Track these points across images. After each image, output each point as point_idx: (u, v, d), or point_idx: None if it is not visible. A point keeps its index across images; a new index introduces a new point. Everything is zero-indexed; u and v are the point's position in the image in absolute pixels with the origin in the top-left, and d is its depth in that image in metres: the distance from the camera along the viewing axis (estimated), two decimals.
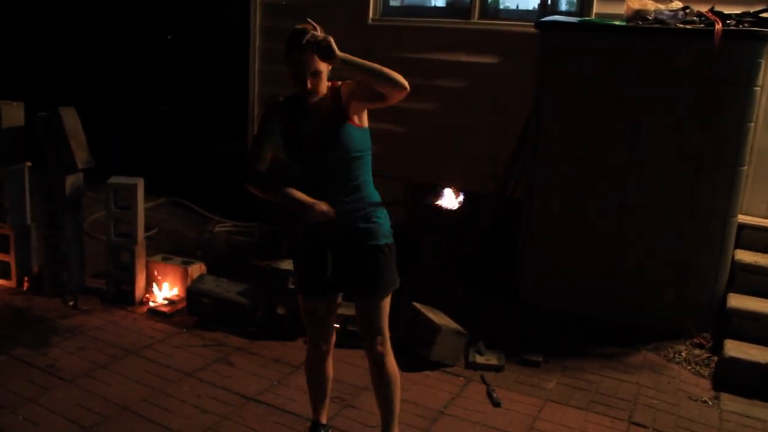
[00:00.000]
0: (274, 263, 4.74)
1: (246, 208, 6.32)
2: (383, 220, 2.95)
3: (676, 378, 4.14)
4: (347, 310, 4.23)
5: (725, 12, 4.41)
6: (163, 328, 4.51)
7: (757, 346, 4.19)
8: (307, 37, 2.62)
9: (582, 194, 4.72)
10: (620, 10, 4.70)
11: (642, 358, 4.38)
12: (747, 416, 3.76)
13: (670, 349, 4.44)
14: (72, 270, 4.91)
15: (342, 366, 3.98)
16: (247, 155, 2.92)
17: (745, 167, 4.46)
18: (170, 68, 7.57)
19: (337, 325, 4.18)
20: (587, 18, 5.14)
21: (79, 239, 4.99)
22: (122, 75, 7.84)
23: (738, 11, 4.43)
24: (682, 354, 4.39)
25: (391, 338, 3.01)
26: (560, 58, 4.67)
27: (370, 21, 5.93)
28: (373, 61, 2.66)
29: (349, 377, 3.94)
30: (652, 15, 4.46)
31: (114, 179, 4.83)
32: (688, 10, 4.45)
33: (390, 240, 2.96)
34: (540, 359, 4.24)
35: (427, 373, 4.06)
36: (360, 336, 3.04)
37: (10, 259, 4.96)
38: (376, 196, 2.96)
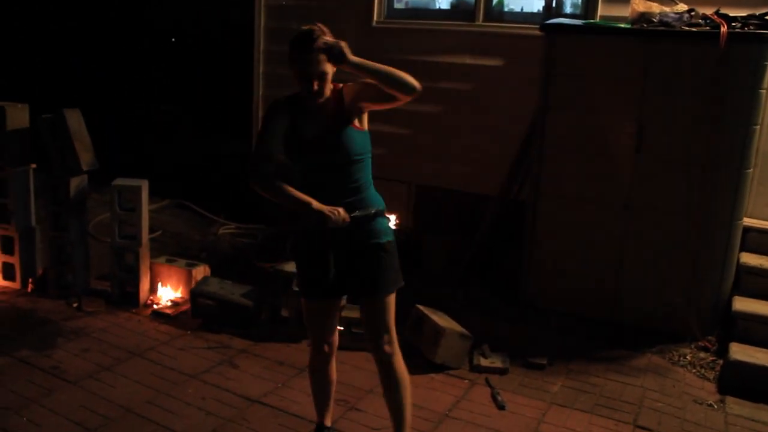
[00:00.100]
0: (278, 265, 4.75)
1: (248, 209, 6.33)
2: (383, 218, 2.93)
3: (681, 381, 4.13)
4: (352, 312, 4.24)
5: (730, 14, 4.40)
6: (168, 330, 4.51)
7: (763, 350, 4.17)
8: (320, 42, 2.61)
9: (587, 196, 4.72)
10: (625, 12, 4.70)
11: (647, 361, 4.36)
12: (753, 420, 3.75)
13: (675, 352, 4.43)
14: (77, 272, 4.92)
15: (347, 369, 3.98)
16: (253, 155, 2.88)
17: (751, 170, 4.45)
18: (170, 68, 7.58)
19: (341, 327, 4.19)
20: (592, 20, 5.13)
21: (84, 241, 5.00)
22: (122, 75, 7.85)
23: (743, 14, 4.43)
24: (687, 357, 4.38)
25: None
26: (566, 61, 4.66)
27: (374, 23, 5.94)
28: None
29: (354, 380, 3.93)
30: (657, 17, 4.45)
31: (118, 181, 4.84)
32: (693, 13, 4.44)
33: (391, 238, 2.94)
34: (544, 362, 4.23)
35: (432, 375, 4.05)
36: (366, 338, 3.01)
37: (14, 260, 4.97)
38: (377, 198, 2.94)
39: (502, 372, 4.12)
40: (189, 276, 4.86)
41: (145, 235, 4.87)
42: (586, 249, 4.76)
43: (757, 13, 4.39)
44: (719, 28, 4.19)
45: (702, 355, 4.39)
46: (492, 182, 5.40)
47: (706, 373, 4.21)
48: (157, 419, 3.48)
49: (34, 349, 4.13)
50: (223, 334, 4.47)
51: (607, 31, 4.64)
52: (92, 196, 5.32)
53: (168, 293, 4.89)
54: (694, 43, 4.30)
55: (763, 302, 4.45)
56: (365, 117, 2.87)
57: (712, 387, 4.08)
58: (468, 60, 5.67)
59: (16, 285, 4.99)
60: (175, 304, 4.82)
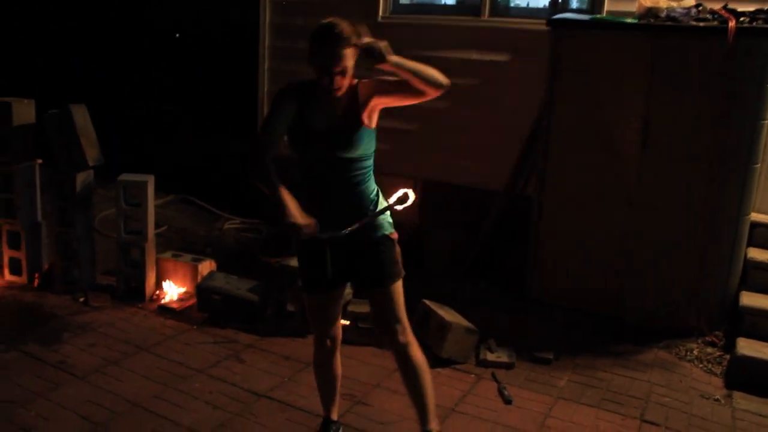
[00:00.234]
0: (284, 260, 4.75)
1: (251, 206, 6.33)
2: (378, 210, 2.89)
3: (688, 376, 4.12)
4: (358, 306, 4.25)
5: (738, 9, 4.38)
6: (174, 324, 4.52)
7: None
8: (363, 43, 2.57)
9: (593, 191, 4.71)
10: (632, 7, 4.68)
11: (653, 355, 4.36)
12: (760, 415, 3.74)
13: (681, 347, 4.42)
14: (82, 267, 4.93)
15: (353, 363, 3.99)
16: (257, 138, 2.83)
17: (758, 165, 4.43)
18: (171, 68, 7.56)
19: (347, 322, 4.19)
20: (598, 15, 5.11)
21: (90, 236, 5.01)
22: (122, 75, 7.84)
23: (751, 8, 4.40)
24: (694, 352, 4.37)
25: None
26: (572, 56, 4.65)
27: (379, 18, 5.93)
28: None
29: (361, 374, 3.93)
30: (665, 12, 4.43)
31: (124, 176, 4.84)
32: (700, 8, 4.42)
33: (390, 230, 2.92)
34: (551, 357, 4.23)
35: (438, 370, 4.04)
36: (379, 331, 2.99)
37: (21, 255, 4.98)
38: (376, 192, 2.92)
39: (508, 366, 4.12)
40: (195, 271, 4.86)
41: (151, 231, 4.88)
42: (592, 244, 4.75)
43: (765, 8, 4.36)
44: (727, 23, 4.17)
45: (709, 350, 4.39)
46: (497, 177, 5.39)
47: (713, 368, 4.20)
48: (165, 413, 3.49)
49: (40, 343, 4.14)
50: (229, 328, 4.47)
51: (614, 26, 4.62)
52: (97, 191, 5.32)
53: (174, 288, 4.89)
54: (702, 38, 4.28)
55: None
56: (376, 116, 2.84)
57: (719, 382, 4.07)
58: (474, 55, 5.66)
59: (22, 280, 5.00)
60: (180, 299, 4.83)
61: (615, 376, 4.09)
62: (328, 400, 3.26)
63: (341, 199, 2.83)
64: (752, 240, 4.67)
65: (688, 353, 4.36)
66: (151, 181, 4.82)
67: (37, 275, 4.99)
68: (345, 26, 2.63)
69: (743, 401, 3.86)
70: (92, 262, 5.03)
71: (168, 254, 5.08)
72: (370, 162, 2.88)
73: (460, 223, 5.63)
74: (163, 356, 4.09)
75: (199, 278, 4.80)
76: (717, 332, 4.49)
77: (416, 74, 2.64)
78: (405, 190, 2.78)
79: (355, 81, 2.80)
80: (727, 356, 4.24)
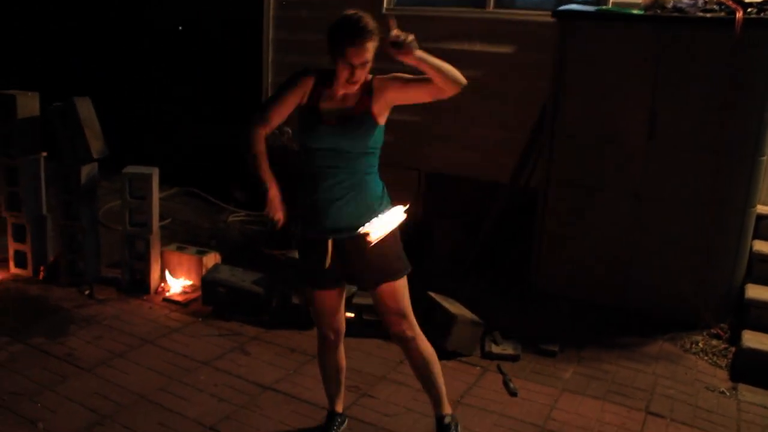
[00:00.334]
0: (289, 253, 4.75)
1: (255, 199, 6.32)
2: (384, 207, 2.88)
3: (693, 368, 4.12)
4: (363, 299, 4.24)
5: (746, 0, 4.35)
6: (179, 317, 4.52)
7: None
8: (393, 35, 2.54)
9: (598, 183, 4.70)
10: None
11: (658, 348, 4.35)
12: (765, 407, 3.74)
13: (686, 340, 4.41)
14: (88, 260, 4.93)
15: (358, 355, 3.99)
16: (266, 101, 2.91)
17: (765, 157, 4.41)
18: (171, 68, 7.53)
19: (352, 315, 4.19)
20: (605, 7, 5.09)
21: (95, 229, 5.01)
22: (123, 75, 7.82)
23: None
24: (699, 344, 4.36)
25: None
26: (578, 47, 4.63)
27: (384, 10, 5.91)
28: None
29: (366, 367, 3.93)
30: (671, 3, 4.42)
31: (129, 169, 4.84)
32: None
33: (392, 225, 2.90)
34: (556, 349, 4.23)
35: (444, 362, 3.98)
36: (385, 326, 2.98)
37: (26, 248, 4.99)
38: (381, 188, 2.91)
39: (513, 359, 4.11)
40: (200, 263, 4.86)
41: (156, 223, 4.88)
42: (598, 235, 4.75)
43: None
44: (734, 14, 4.15)
45: (714, 342, 4.38)
46: (502, 169, 5.38)
47: (718, 361, 4.20)
48: (170, 406, 3.50)
49: (47, 336, 4.14)
50: (234, 321, 4.47)
51: (620, 17, 4.59)
52: (102, 184, 5.32)
53: (179, 281, 4.90)
54: (709, 29, 4.26)
55: None
56: (387, 112, 2.83)
57: (724, 374, 4.07)
58: (479, 47, 5.64)
59: (27, 273, 5.01)
60: (185, 291, 4.83)
61: (620, 368, 4.09)
62: (332, 392, 3.26)
63: (345, 193, 2.81)
64: (758, 232, 4.65)
65: (694, 345, 4.36)
66: (155, 173, 4.81)
67: (42, 268, 5.00)
68: (369, 19, 2.64)
69: (748, 394, 3.86)
70: (97, 255, 5.03)
71: (173, 247, 5.08)
72: (376, 157, 2.87)
73: (465, 215, 5.63)
74: (168, 349, 4.09)
75: (204, 271, 4.80)
76: (722, 324, 4.48)
77: (439, 70, 2.62)
78: (400, 206, 2.83)
79: (370, 76, 2.79)
80: (733, 349, 4.23)
